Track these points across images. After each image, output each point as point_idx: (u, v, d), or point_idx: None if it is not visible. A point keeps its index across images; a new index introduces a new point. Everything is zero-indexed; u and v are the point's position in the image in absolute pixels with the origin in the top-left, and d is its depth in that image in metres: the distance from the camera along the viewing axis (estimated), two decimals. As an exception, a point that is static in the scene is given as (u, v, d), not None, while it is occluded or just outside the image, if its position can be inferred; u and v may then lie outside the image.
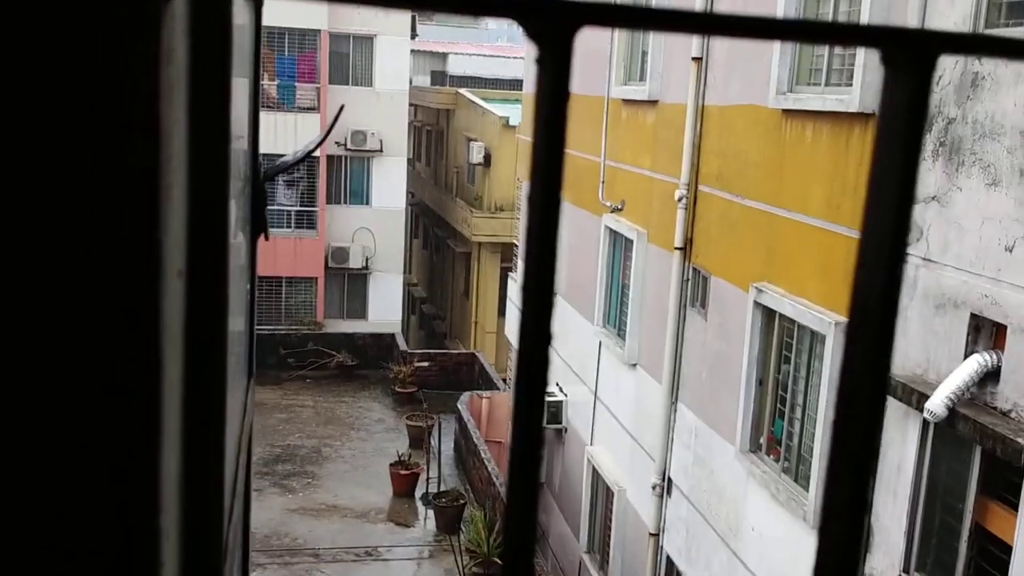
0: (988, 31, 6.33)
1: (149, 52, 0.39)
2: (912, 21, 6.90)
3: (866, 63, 7.47)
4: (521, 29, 0.43)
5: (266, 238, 1.44)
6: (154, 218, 0.40)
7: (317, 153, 24.89)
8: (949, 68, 6.56)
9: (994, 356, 6.12)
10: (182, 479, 0.62)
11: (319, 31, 25.29)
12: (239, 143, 1.16)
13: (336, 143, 25.73)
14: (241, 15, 1.09)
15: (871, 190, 0.45)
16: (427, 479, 17.25)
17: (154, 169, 0.40)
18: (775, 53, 8.79)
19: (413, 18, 27.37)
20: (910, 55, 0.44)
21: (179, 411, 0.54)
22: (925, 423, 6.59)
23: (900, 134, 0.44)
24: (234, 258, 1.17)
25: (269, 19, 24.41)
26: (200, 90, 0.54)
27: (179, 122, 0.49)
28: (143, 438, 0.42)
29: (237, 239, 1.16)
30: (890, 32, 0.44)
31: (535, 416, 0.42)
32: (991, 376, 6.13)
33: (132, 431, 0.43)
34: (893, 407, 7.01)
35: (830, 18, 8.23)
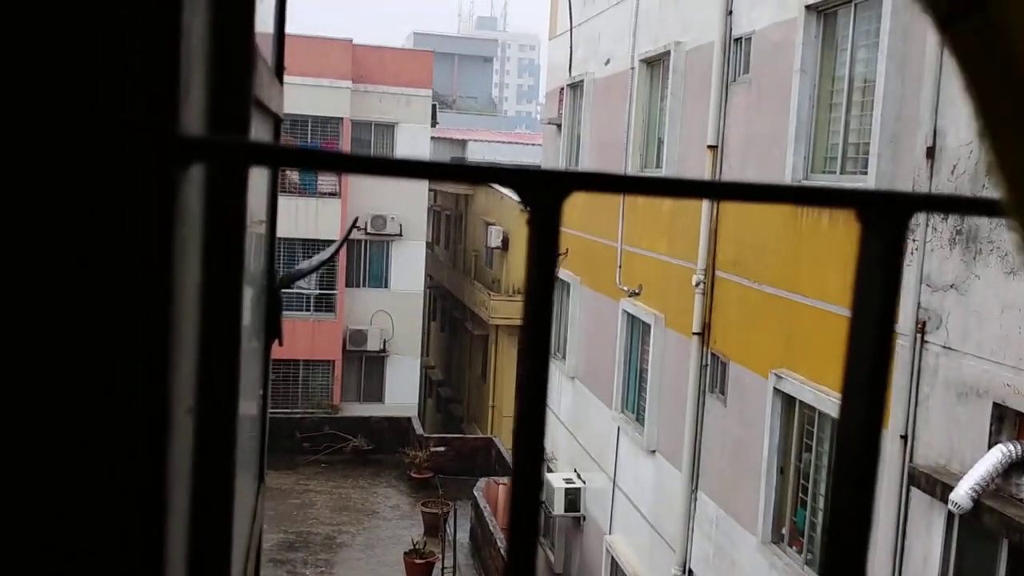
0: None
1: (165, 217, 0.42)
2: (925, 114, 6.99)
3: (880, 152, 7.56)
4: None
5: (280, 344, 1.47)
6: (163, 368, 0.43)
7: (337, 237, 25.20)
8: (964, 157, 6.63)
9: (1018, 446, 6.01)
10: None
11: (341, 119, 25.87)
12: (256, 256, 1.20)
13: (356, 227, 26.06)
14: (265, 134, 1.13)
15: (851, 340, 0.47)
16: (442, 568, 16.92)
17: (164, 325, 0.42)
18: (790, 141, 8.92)
19: (434, 106, 27.98)
20: (883, 215, 0.46)
21: (184, 550, 0.55)
22: (950, 515, 6.44)
23: (876, 288, 0.46)
24: (249, 366, 1.19)
25: (293, 107, 25.05)
26: (214, 242, 0.57)
27: (191, 274, 0.52)
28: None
29: (251, 346, 1.19)
30: (863, 194, 0.47)
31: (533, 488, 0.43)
32: (1016, 467, 6.02)
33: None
34: (917, 498, 6.87)
35: (843, 111, 8.37)
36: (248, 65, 0.66)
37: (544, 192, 0.43)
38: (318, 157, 0.42)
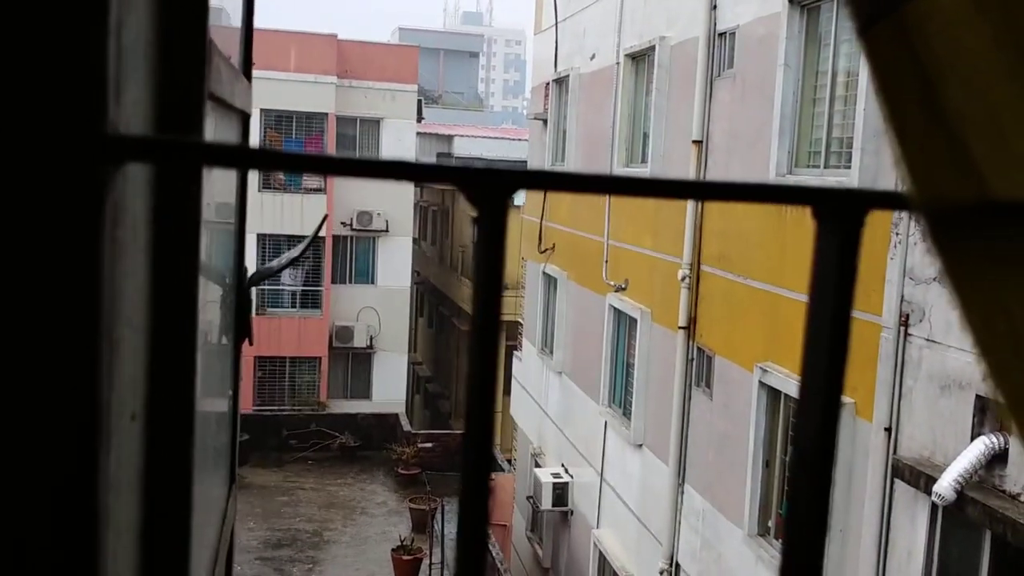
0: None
1: (91, 217, 0.40)
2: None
3: (863, 146, 7.58)
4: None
5: (250, 343, 1.45)
6: (93, 370, 0.41)
7: (323, 233, 25.14)
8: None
9: (1001, 438, 6.05)
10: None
11: (326, 114, 25.77)
12: (223, 255, 1.18)
13: (342, 223, 25.99)
14: (229, 131, 1.12)
15: (807, 337, 0.46)
16: (430, 564, 16.92)
17: (93, 327, 0.41)
18: (774, 135, 8.93)
19: (419, 101, 27.91)
20: (839, 212, 0.45)
21: (134, 562, 0.54)
22: (934, 507, 6.48)
23: (832, 286, 0.45)
24: (216, 366, 1.18)
25: (278, 103, 24.92)
26: (165, 243, 0.55)
27: (135, 276, 0.50)
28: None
29: (218, 345, 1.18)
30: (819, 192, 0.46)
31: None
32: (999, 458, 6.06)
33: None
34: (901, 490, 6.91)
35: (827, 105, 8.39)
36: (200, 61, 0.65)
37: (490, 191, 0.42)
38: (257, 156, 0.41)
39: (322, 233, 25.11)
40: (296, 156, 0.41)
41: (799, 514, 0.46)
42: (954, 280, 0.45)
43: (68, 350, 0.40)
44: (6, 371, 0.40)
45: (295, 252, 2.56)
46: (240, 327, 1.37)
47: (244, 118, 1.28)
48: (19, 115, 0.39)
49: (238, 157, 0.41)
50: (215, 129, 0.86)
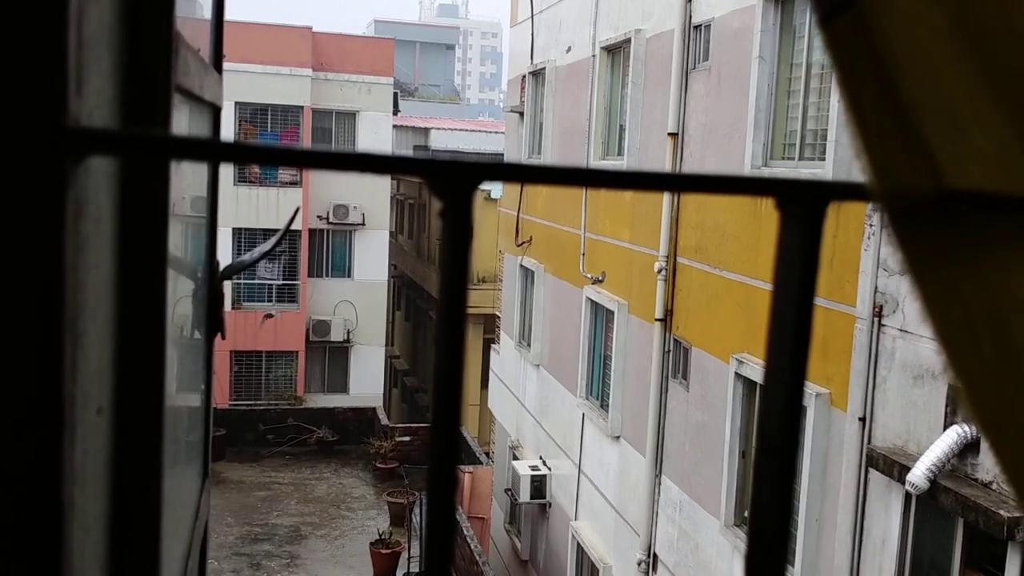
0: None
1: (53, 210, 0.40)
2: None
3: (837, 138, 7.63)
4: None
5: (222, 337, 1.45)
6: (56, 362, 0.41)
7: (299, 226, 25.02)
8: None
9: (973, 427, 6.13)
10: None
11: (302, 107, 25.63)
12: (195, 248, 1.17)
13: (318, 217, 25.88)
14: (199, 125, 1.11)
15: (771, 325, 0.47)
16: (409, 558, 16.92)
17: (56, 320, 0.41)
18: (749, 128, 8.97)
19: (395, 94, 27.81)
20: (802, 203, 0.46)
21: (102, 558, 0.53)
22: (907, 495, 6.56)
23: (795, 275, 0.46)
24: (188, 359, 1.17)
25: (253, 96, 24.75)
26: (131, 237, 0.55)
27: (100, 269, 0.50)
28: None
29: (190, 339, 1.17)
30: (782, 183, 0.46)
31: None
32: (971, 447, 6.13)
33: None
34: (875, 479, 6.98)
35: (802, 97, 8.44)
36: (166, 53, 0.64)
37: (454, 182, 0.42)
38: (222, 149, 0.41)
39: (298, 227, 25.01)
40: (260, 148, 0.41)
41: (763, 498, 0.46)
42: (913, 271, 0.45)
43: (30, 342, 0.40)
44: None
45: (267, 245, 2.56)
46: (212, 321, 1.36)
47: (215, 111, 1.28)
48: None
49: (203, 150, 0.41)
50: (184, 122, 0.86)
